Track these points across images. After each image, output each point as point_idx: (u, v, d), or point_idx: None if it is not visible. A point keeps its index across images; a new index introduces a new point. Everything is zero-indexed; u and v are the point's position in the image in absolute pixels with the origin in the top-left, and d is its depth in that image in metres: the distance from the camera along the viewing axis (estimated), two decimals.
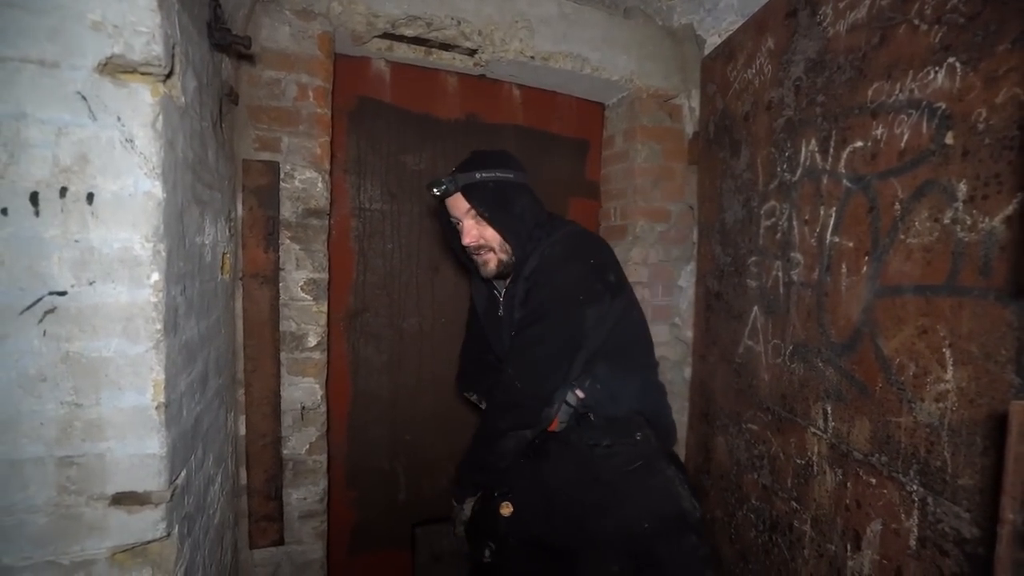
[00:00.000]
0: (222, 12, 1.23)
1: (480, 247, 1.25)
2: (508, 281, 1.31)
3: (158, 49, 0.87)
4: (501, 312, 1.34)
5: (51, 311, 0.84)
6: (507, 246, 1.24)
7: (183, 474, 1.02)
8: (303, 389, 1.68)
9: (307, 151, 1.62)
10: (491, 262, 1.26)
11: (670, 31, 2.08)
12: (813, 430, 1.34)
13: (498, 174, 1.22)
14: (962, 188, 0.95)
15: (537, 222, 1.27)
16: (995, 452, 0.87)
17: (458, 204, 1.23)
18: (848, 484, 1.22)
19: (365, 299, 1.96)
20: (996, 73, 0.89)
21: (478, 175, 1.20)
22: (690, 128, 2.11)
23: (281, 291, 1.62)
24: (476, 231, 1.23)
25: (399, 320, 2.02)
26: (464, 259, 1.36)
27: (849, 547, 1.21)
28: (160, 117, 0.89)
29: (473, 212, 1.22)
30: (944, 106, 0.99)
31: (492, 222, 1.21)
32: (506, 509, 1.23)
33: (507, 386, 1.21)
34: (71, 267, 0.84)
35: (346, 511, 1.96)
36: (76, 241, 0.85)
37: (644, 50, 2.04)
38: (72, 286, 0.85)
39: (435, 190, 1.22)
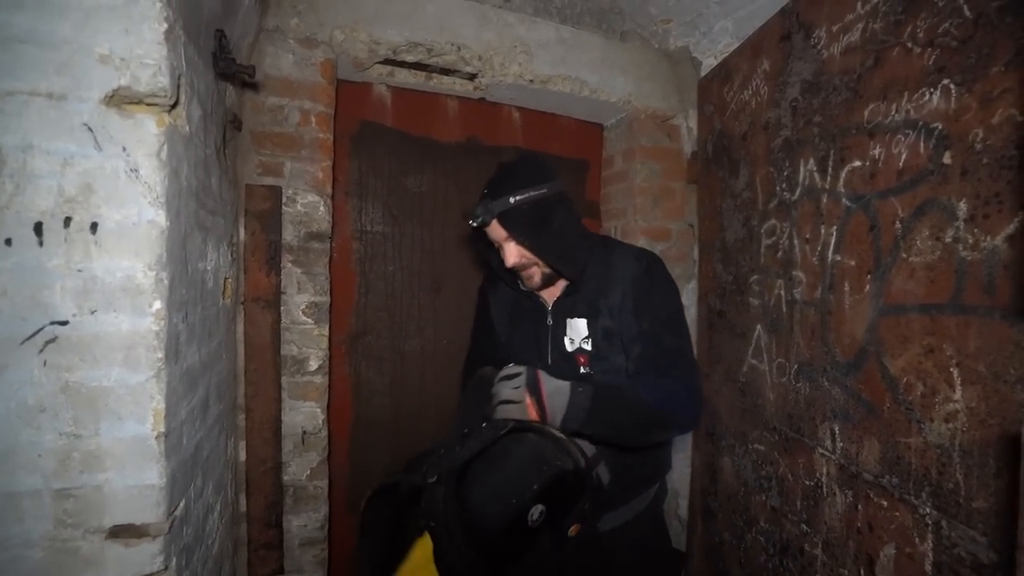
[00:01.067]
0: (227, 42, 1.25)
1: (524, 266, 1.22)
2: (563, 292, 1.27)
3: (164, 81, 0.88)
4: (550, 321, 1.29)
5: (52, 341, 0.83)
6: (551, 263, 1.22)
7: (182, 504, 1.00)
8: (304, 413, 1.66)
9: (309, 175, 1.63)
10: (536, 276, 1.23)
11: (667, 53, 2.12)
12: (821, 451, 1.32)
13: (531, 193, 1.16)
14: (962, 207, 0.95)
15: (578, 230, 1.25)
16: (1009, 474, 0.85)
17: (497, 231, 1.19)
18: (859, 506, 1.20)
19: (367, 321, 1.96)
20: (991, 94, 0.90)
21: (512, 199, 1.15)
22: (688, 148, 2.13)
23: (283, 315, 1.61)
24: (518, 252, 1.19)
25: (401, 342, 2.02)
26: (504, 275, 1.32)
27: (863, 572, 1.18)
28: (165, 147, 0.90)
29: (510, 238, 1.18)
30: (941, 126, 1.00)
31: (533, 250, 1.18)
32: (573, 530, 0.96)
33: (693, 373, 1.19)
34: (73, 296, 0.84)
35: (348, 537, 1.92)
36: (79, 270, 0.85)
37: (641, 72, 2.07)
38: (74, 315, 0.85)
39: (472, 222, 1.18)
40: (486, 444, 0.94)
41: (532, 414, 0.99)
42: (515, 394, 1.00)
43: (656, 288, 1.22)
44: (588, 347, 1.23)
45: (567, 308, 1.26)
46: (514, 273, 1.27)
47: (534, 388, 1.01)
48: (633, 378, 1.20)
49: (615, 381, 1.20)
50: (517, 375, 1.03)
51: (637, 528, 1.25)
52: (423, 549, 0.91)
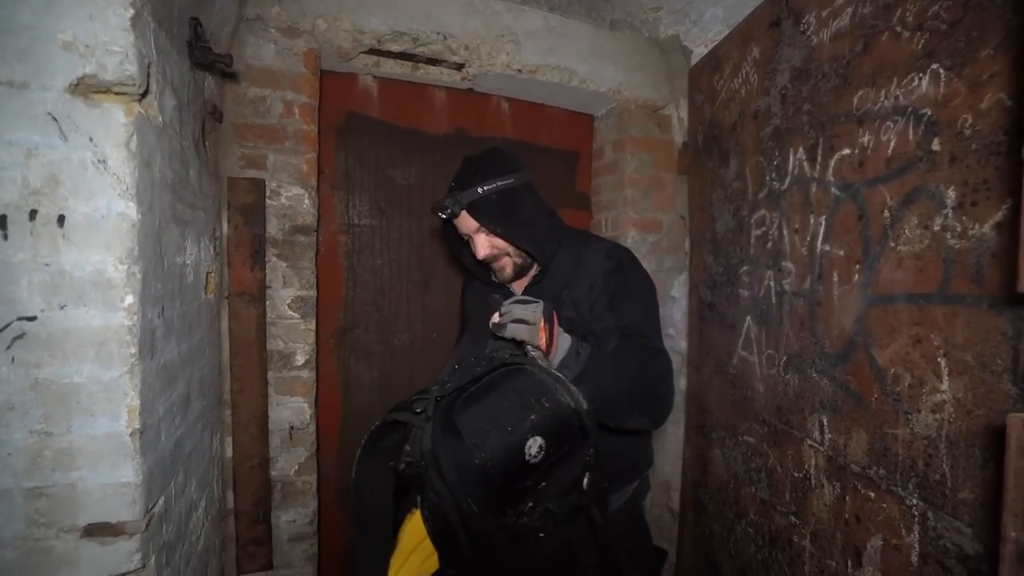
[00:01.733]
0: (203, 31, 1.22)
1: (495, 256, 1.22)
2: (530, 282, 1.27)
3: (132, 69, 0.85)
4: None
5: (20, 337, 0.81)
6: (521, 252, 1.22)
7: (161, 501, 0.99)
8: (292, 408, 1.64)
9: (293, 168, 1.61)
10: (507, 267, 1.23)
11: (657, 42, 2.09)
12: (810, 442, 1.31)
13: (499, 183, 1.17)
14: (951, 195, 0.94)
15: (548, 220, 1.25)
16: (995, 465, 0.84)
17: (466, 223, 1.19)
18: (847, 498, 1.19)
19: (355, 316, 1.94)
20: (980, 79, 0.88)
21: (480, 189, 1.16)
22: (679, 138, 2.11)
23: (268, 309, 1.59)
24: (488, 243, 1.20)
25: (390, 336, 2.00)
26: (474, 269, 1.33)
27: (850, 563, 1.18)
28: (134, 137, 0.88)
29: (482, 229, 1.19)
30: (930, 112, 0.98)
31: (505, 236, 1.18)
32: None
33: (667, 383, 1.13)
34: (41, 291, 0.82)
35: (338, 533, 1.92)
36: (46, 264, 0.83)
37: (632, 61, 2.04)
38: (42, 311, 0.83)
39: (441, 214, 1.19)
40: (479, 376, 0.89)
41: (542, 341, 0.95)
42: (531, 315, 0.96)
43: (631, 283, 1.21)
44: None
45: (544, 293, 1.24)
46: (486, 267, 1.27)
47: (550, 319, 0.99)
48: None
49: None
50: (534, 301, 1.00)
51: (616, 524, 1.23)
52: (411, 531, 0.88)
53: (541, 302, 1.00)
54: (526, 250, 1.20)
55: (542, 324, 0.96)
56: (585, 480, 0.88)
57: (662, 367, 1.13)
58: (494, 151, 1.29)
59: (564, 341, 1.02)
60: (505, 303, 1.02)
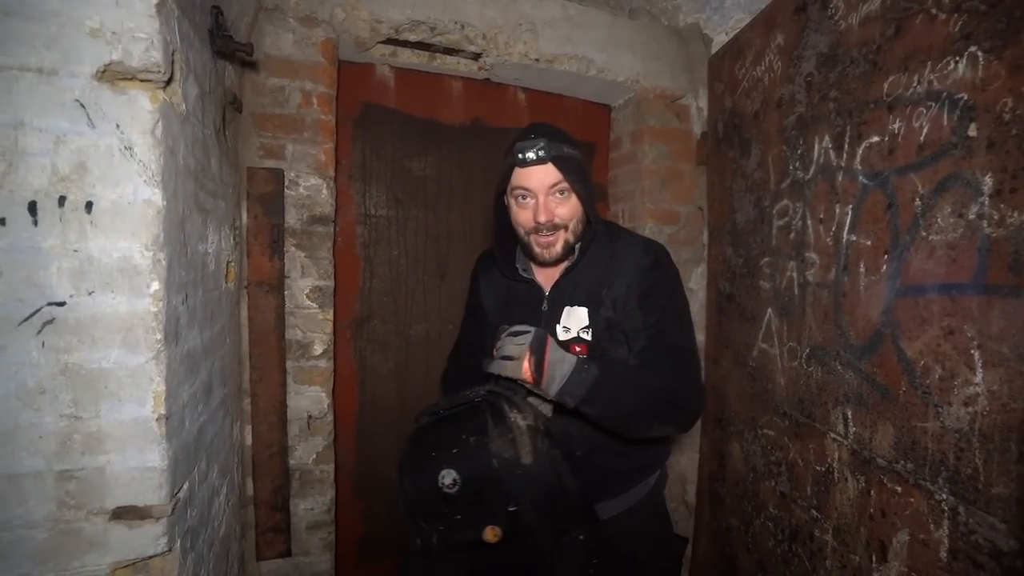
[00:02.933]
0: (224, 19, 1.22)
1: (556, 226, 1.14)
2: (560, 275, 1.21)
3: (157, 56, 0.86)
4: (545, 307, 1.22)
5: (50, 322, 0.82)
6: (579, 228, 1.16)
7: (185, 487, 1.00)
8: (309, 398, 1.66)
9: (312, 158, 1.61)
10: (558, 243, 1.15)
11: (676, 31, 2.05)
12: (833, 435, 1.29)
13: (575, 153, 1.14)
14: (988, 182, 0.91)
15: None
16: None
17: (544, 176, 1.10)
18: (872, 492, 1.17)
19: (371, 306, 1.95)
20: (1022, 60, 0.85)
21: (566, 149, 1.11)
22: (698, 128, 2.08)
23: (287, 299, 1.60)
24: (555, 208, 1.12)
25: (406, 327, 2.00)
26: (503, 250, 1.27)
27: (874, 558, 1.16)
28: (160, 124, 0.88)
29: (558, 187, 1.11)
30: (966, 97, 0.95)
31: (582, 197, 1.13)
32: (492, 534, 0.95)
33: (696, 369, 1.14)
34: (70, 277, 0.83)
35: (354, 521, 1.93)
36: (75, 251, 0.83)
37: (650, 50, 2.02)
38: (71, 296, 0.83)
39: (530, 154, 1.08)
40: (452, 406, 1.04)
41: (527, 374, 0.98)
42: (516, 350, 0.99)
43: (664, 282, 1.17)
44: (588, 337, 1.17)
45: (566, 295, 1.20)
46: (512, 250, 1.25)
47: (538, 349, 0.99)
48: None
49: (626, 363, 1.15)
50: (525, 332, 1.01)
51: (638, 515, 1.22)
52: None
53: (532, 331, 1.02)
54: (583, 221, 1.16)
55: (527, 359, 0.98)
56: (488, 531, 0.95)
57: (686, 368, 1.11)
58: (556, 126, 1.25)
59: (563, 366, 1.00)
60: (502, 337, 1.04)
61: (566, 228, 1.14)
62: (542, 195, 1.11)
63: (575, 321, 1.18)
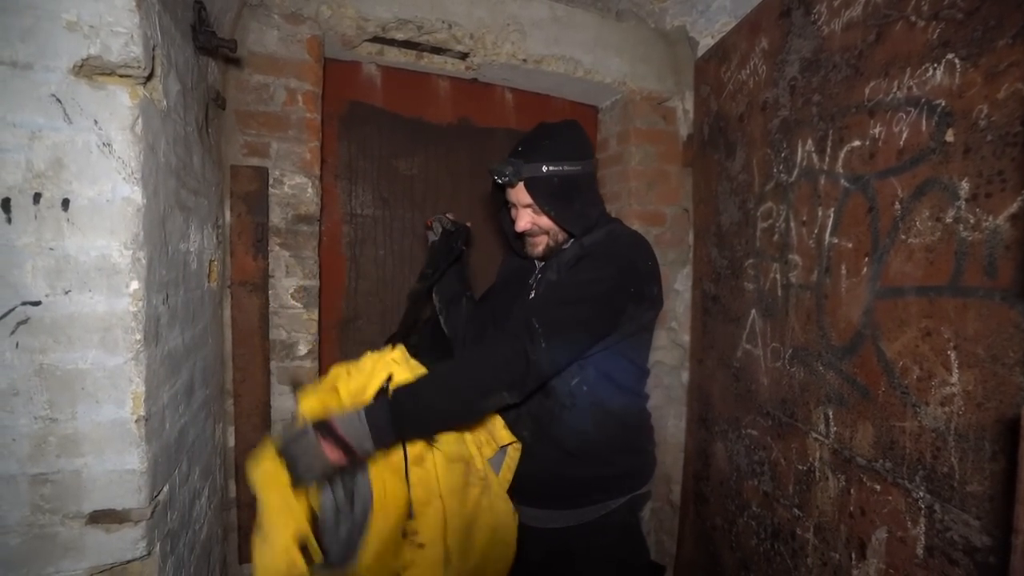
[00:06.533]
0: (207, 15, 1.20)
1: (532, 233, 1.22)
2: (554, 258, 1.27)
3: (137, 50, 0.84)
4: (532, 280, 1.31)
5: (24, 322, 0.80)
6: (561, 235, 1.21)
7: (165, 489, 0.98)
8: (294, 399, 1.64)
9: (297, 156, 1.59)
10: (540, 245, 1.23)
11: (663, 33, 2.07)
12: (814, 435, 1.31)
13: (565, 167, 1.14)
14: (964, 186, 0.93)
15: (600, 214, 1.24)
16: (1005, 458, 0.84)
17: (518, 195, 1.17)
18: (851, 491, 1.19)
19: (357, 306, 1.93)
20: (997, 68, 0.87)
21: (544, 168, 1.13)
22: (684, 130, 2.10)
23: (271, 299, 1.58)
24: (531, 220, 1.19)
25: (392, 328, 1.98)
26: (511, 235, 1.34)
27: (854, 556, 1.18)
28: (139, 120, 0.86)
29: (530, 206, 1.18)
30: (944, 103, 0.97)
31: (557, 220, 1.17)
32: None
33: (526, 336, 1.01)
34: (45, 276, 0.81)
35: None
36: (51, 249, 0.82)
37: (637, 52, 2.03)
38: (47, 296, 0.82)
39: (498, 178, 1.17)
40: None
41: (334, 456, 0.91)
42: (307, 450, 0.91)
43: (592, 260, 1.13)
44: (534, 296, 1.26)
45: (551, 269, 1.25)
46: (520, 237, 1.29)
47: (328, 431, 0.92)
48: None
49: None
50: (303, 432, 0.93)
51: (603, 533, 1.20)
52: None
53: (308, 428, 0.93)
54: (566, 232, 1.20)
55: (325, 444, 0.91)
56: None
57: (497, 348, 1.04)
58: (573, 127, 1.24)
59: (357, 426, 0.93)
60: (286, 448, 0.93)
61: (547, 234, 1.22)
62: (521, 208, 1.20)
63: (541, 285, 1.28)
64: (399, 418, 0.95)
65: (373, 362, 1.11)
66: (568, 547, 1.21)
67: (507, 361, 1.01)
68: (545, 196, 1.15)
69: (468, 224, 1.50)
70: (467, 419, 1.08)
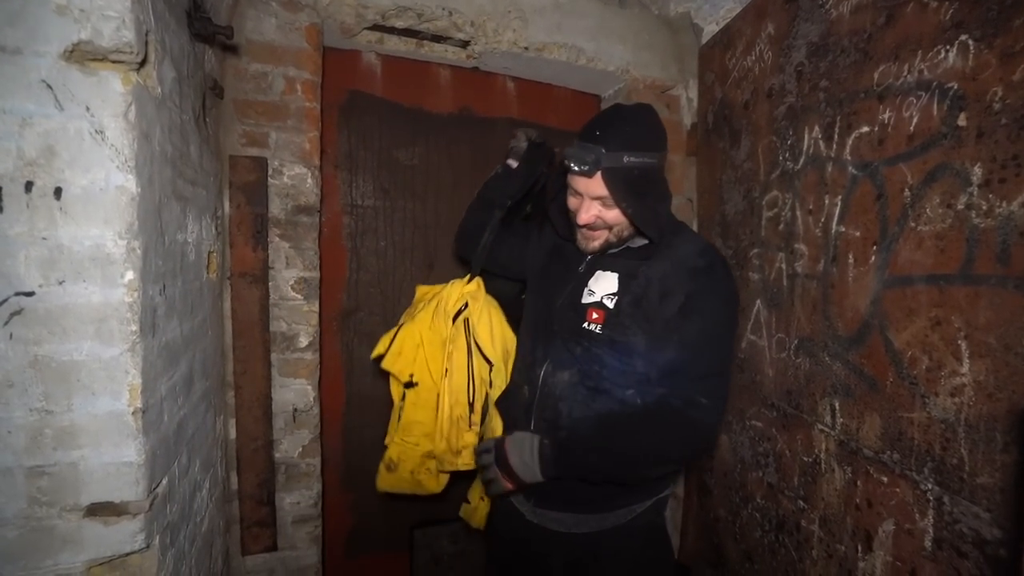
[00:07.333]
0: (203, 1, 1.18)
1: (595, 227, 1.12)
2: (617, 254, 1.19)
3: (129, 35, 0.82)
4: (582, 268, 1.20)
5: (17, 313, 0.79)
6: (628, 231, 1.13)
7: (164, 482, 0.98)
8: (295, 391, 1.63)
9: (296, 146, 1.57)
10: (599, 240, 1.13)
11: (666, 20, 2.03)
12: (820, 427, 1.30)
13: (645, 159, 1.05)
14: (977, 172, 0.91)
15: (668, 209, 1.18)
16: (1017, 449, 0.82)
17: (591, 186, 1.06)
18: (858, 483, 1.18)
19: (358, 298, 1.92)
20: (1012, 49, 0.84)
21: (625, 158, 1.03)
22: (688, 119, 2.07)
23: (271, 290, 1.57)
24: (597, 212, 1.09)
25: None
26: (557, 218, 1.25)
27: (860, 548, 1.17)
28: (133, 107, 0.84)
29: (603, 199, 1.07)
30: (956, 86, 0.94)
31: (631, 217, 1.08)
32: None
33: (686, 404, 1.05)
34: (39, 266, 0.80)
35: (342, 514, 1.92)
36: (44, 238, 0.80)
37: (640, 40, 1.99)
38: (40, 286, 0.80)
39: (574, 165, 1.05)
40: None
41: (509, 486, 1.14)
42: (495, 480, 1.16)
43: (713, 295, 1.09)
44: (611, 305, 1.12)
45: (604, 262, 1.18)
46: (571, 226, 1.18)
47: (502, 464, 1.14)
48: (645, 393, 1.12)
49: (593, 415, 1.13)
50: (486, 451, 1.18)
51: (630, 536, 1.19)
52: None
53: (491, 448, 1.17)
54: (637, 228, 1.11)
55: (500, 477, 1.15)
56: None
57: (685, 421, 1.05)
58: (651, 113, 1.13)
59: (526, 459, 1.11)
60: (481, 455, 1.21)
61: (610, 229, 1.13)
62: (589, 199, 1.09)
63: (602, 286, 1.16)
64: (566, 468, 1.10)
65: (454, 290, 1.40)
66: (595, 551, 1.19)
67: (682, 439, 1.08)
68: (623, 191, 1.04)
69: (556, 150, 1.33)
70: (624, 480, 1.15)
